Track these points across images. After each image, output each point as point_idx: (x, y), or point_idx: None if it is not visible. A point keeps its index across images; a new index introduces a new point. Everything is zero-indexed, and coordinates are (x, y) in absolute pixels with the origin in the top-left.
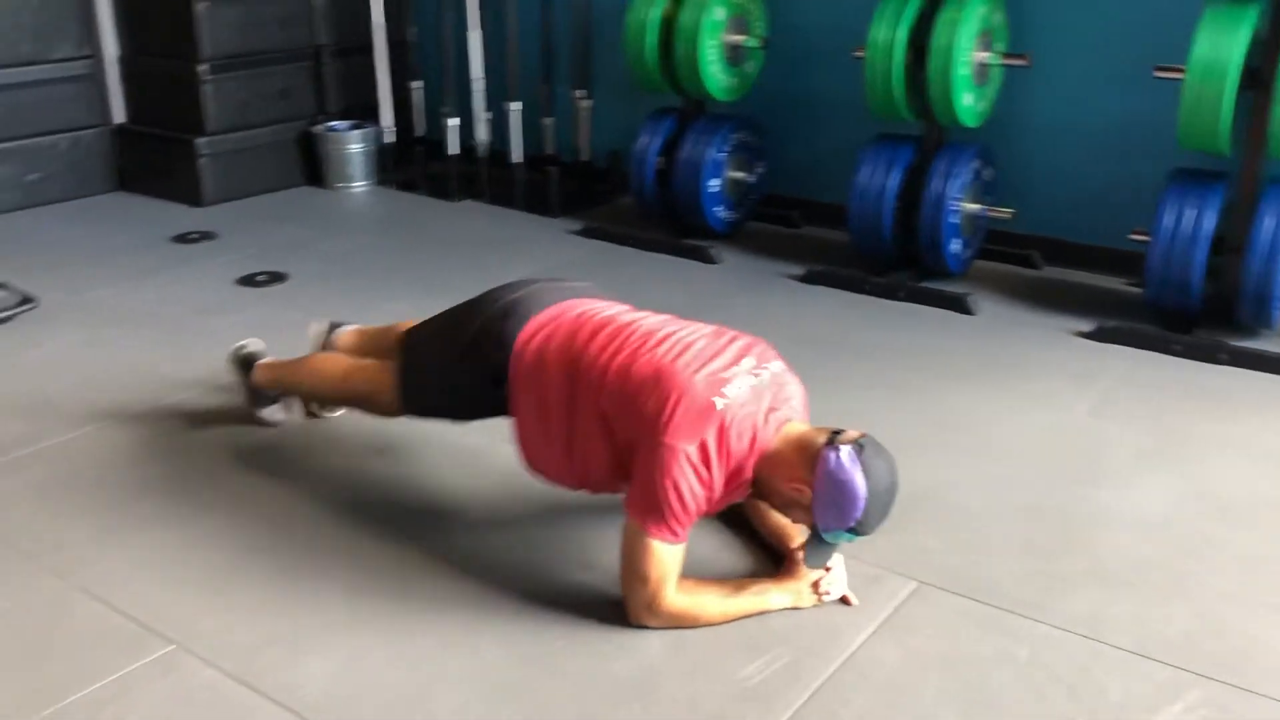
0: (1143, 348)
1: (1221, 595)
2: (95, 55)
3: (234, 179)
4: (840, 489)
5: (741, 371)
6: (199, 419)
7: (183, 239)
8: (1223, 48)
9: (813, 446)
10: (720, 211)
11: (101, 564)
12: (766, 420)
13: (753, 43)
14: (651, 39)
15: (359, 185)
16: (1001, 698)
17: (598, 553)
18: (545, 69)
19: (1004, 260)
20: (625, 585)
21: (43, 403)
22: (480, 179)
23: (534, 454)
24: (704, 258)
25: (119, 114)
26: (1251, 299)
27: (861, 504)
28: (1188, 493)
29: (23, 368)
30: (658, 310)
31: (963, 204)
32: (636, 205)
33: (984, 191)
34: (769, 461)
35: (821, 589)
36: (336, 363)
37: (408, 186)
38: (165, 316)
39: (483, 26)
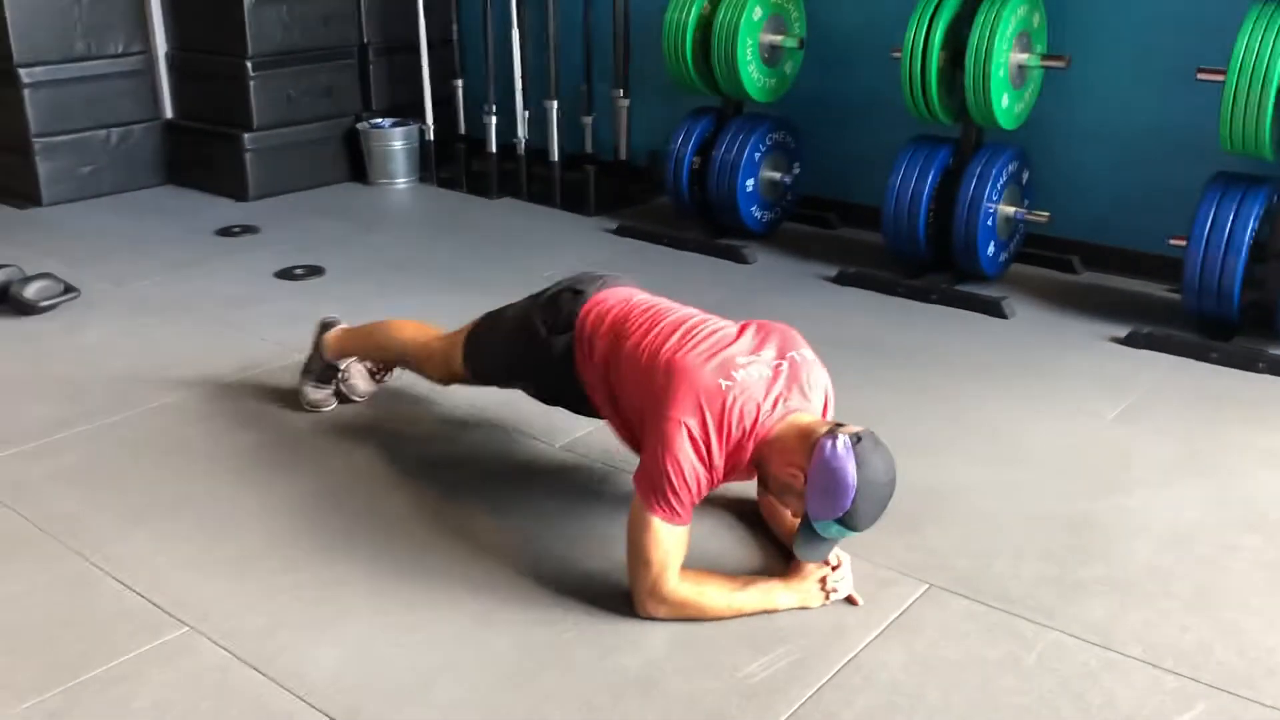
0: (1179, 355)
1: (1242, 606)
2: (147, 51)
3: (279, 174)
4: (832, 477)
5: (756, 360)
6: (228, 407)
7: (226, 232)
8: (1265, 49)
9: (813, 434)
10: (756, 212)
11: (125, 546)
12: (774, 406)
13: (790, 43)
14: (689, 39)
15: (401, 182)
16: (1006, 702)
17: (617, 545)
18: (585, 68)
19: (1043, 264)
20: (630, 570)
21: (78, 389)
22: (519, 177)
23: (595, 396)
24: (738, 257)
25: (169, 109)
26: None
27: (851, 494)
28: (1215, 502)
29: (62, 355)
30: (689, 303)
31: (999, 207)
32: (672, 204)
33: (1022, 194)
34: (770, 446)
35: (829, 587)
36: (409, 323)
37: (449, 183)
38: (202, 307)
39: (524, 26)
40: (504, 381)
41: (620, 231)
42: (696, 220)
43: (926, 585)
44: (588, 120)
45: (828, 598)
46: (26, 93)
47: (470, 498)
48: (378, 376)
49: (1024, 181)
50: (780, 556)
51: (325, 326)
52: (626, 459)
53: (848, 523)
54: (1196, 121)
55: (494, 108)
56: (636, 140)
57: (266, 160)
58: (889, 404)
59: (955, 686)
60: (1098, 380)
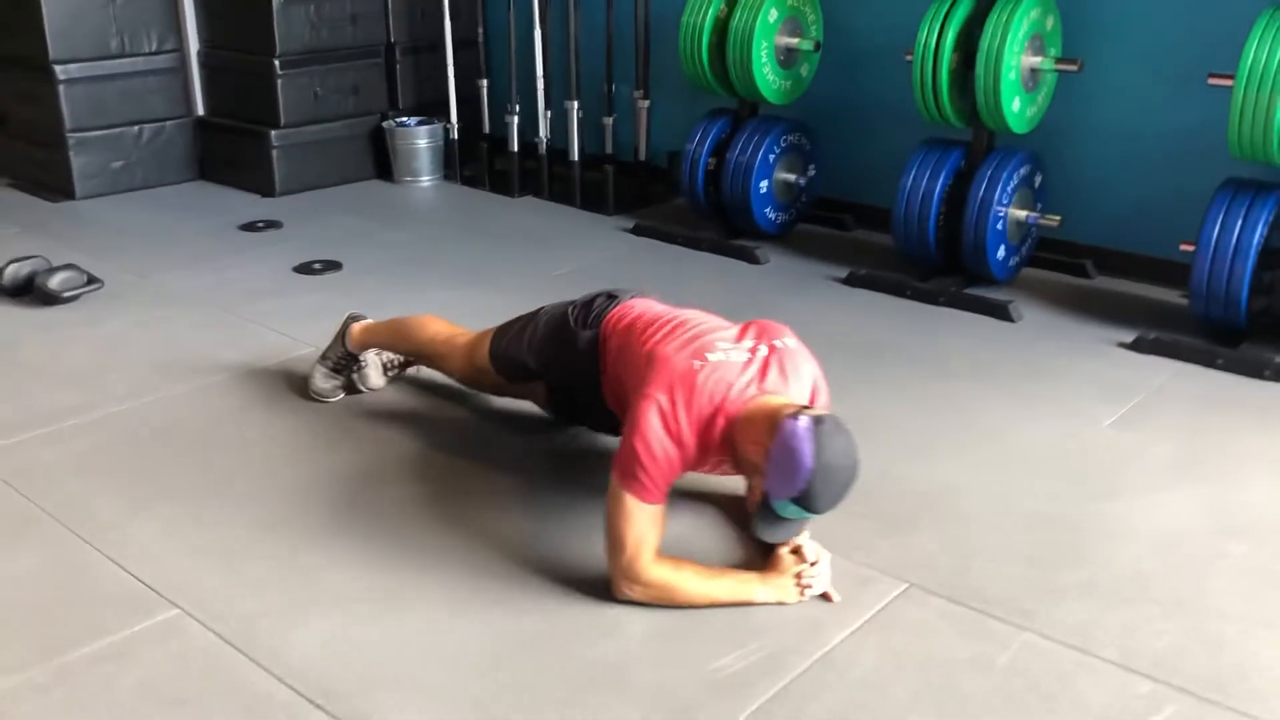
0: (1185, 360)
1: (1222, 613)
2: (180, 50)
3: (305, 171)
4: (789, 456)
5: (735, 347)
6: (238, 397)
7: (250, 227)
8: (1275, 54)
9: (778, 415)
10: (770, 213)
11: (127, 531)
12: (747, 386)
13: (806, 45)
14: (704, 41)
15: (426, 180)
16: (974, 702)
17: (603, 537)
18: (606, 69)
19: (1055, 268)
20: (607, 551)
21: (94, 377)
22: (541, 176)
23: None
24: (750, 258)
25: (200, 106)
26: None
27: (806, 474)
28: (1207, 508)
29: (81, 343)
30: (699, 306)
31: (1009, 210)
32: (688, 205)
33: (1034, 198)
34: (740, 424)
35: (804, 582)
36: (436, 319)
37: (472, 182)
38: (221, 300)
39: (547, 27)
40: (526, 373)
41: (636, 231)
42: (712, 221)
43: (906, 584)
44: (608, 121)
45: (803, 593)
46: (62, 88)
47: (467, 489)
48: (391, 373)
49: (1037, 185)
50: (763, 556)
51: (352, 319)
52: None
53: (804, 503)
54: (1211, 126)
55: (516, 107)
56: (656, 141)
57: (293, 157)
58: (889, 405)
59: (924, 685)
60: (1100, 384)
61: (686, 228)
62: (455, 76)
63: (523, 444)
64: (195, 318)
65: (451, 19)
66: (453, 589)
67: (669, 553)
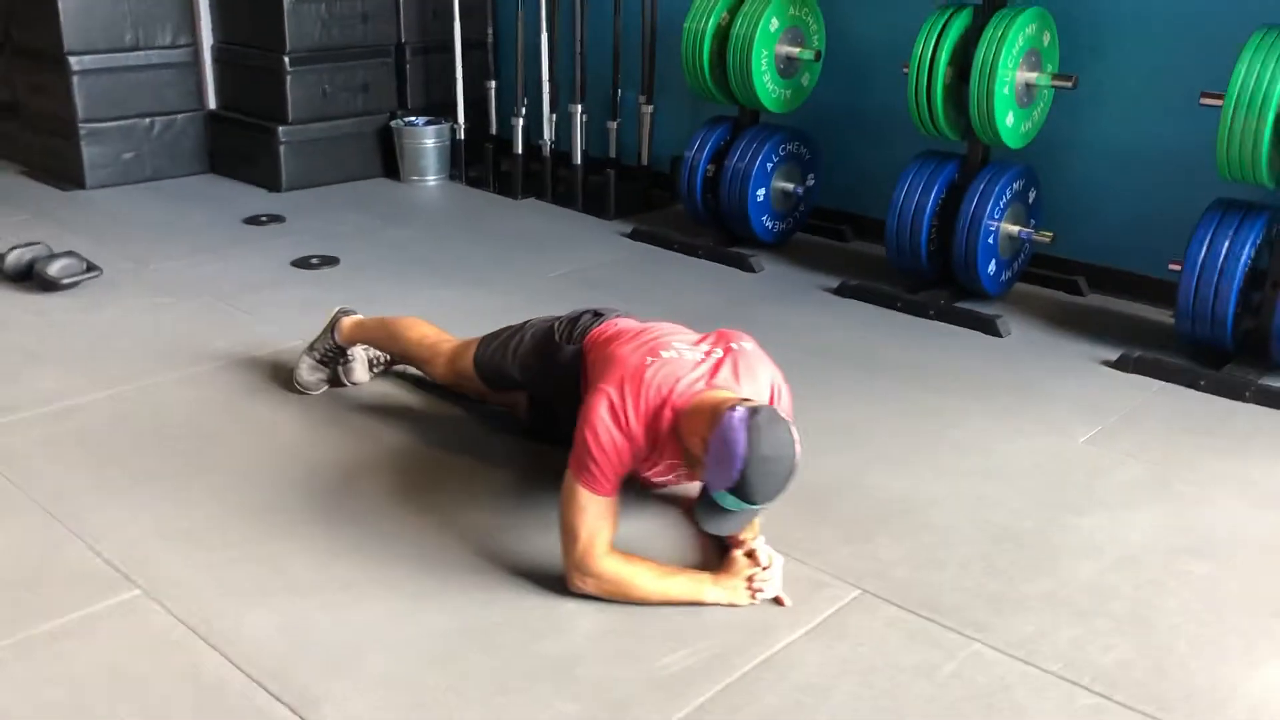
0: (1167, 380)
1: (1174, 630)
2: (193, 44)
3: (312, 167)
4: (723, 446)
5: (690, 348)
6: (223, 386)
7: (253, 221)
8: (1265, 75)
9: (720, 408)
10: (767, 221)
11: (98, 513)
12: (695, 382)
13: (807, 55)
14: (705, 48)
15: (432, 179)
16: (911, 708)
17: None
18: (612, 74)
19: (1048, 285)
20: (561, 545)
21: (86, 363)
22: (544, 178)
23: None
24: (744, 265)
25: (212, 100)
26: None
27: (739, 464)
28: (1171, 527)
29: (75, 330)
30: (687, 312)
31: (1001, 225)
32: (687, 211)
33: (1028, 214)
34: (683, 417)
35: (755, 586)
36: (423, 323)
37: (477, 183)
38: (216, 291)
39: (554, 31)
40: (509, 383)
41: (634, 235)
42: (710, 228)
43: (860, 591)
44: (612, 125)
45: (754, 596)
46: (75, 79)
47: (441, 484)
48: (376, 369)
49: (1031, 201)
50: (721, 559)
51: (343, 313)
52: None
53: (740, 493)
54: (1205, 145)
55: (523, 110)
56: (661, 146)
57: (300, 153)
58: (869, 416)
59: (864, 689)
60: (1079, 402)
61: (684, 233)
62: (464, 77)
63: (500, 441)
64: (189, 307)
65: (462, 20)
66: (415, 580)
67: (630, 549)
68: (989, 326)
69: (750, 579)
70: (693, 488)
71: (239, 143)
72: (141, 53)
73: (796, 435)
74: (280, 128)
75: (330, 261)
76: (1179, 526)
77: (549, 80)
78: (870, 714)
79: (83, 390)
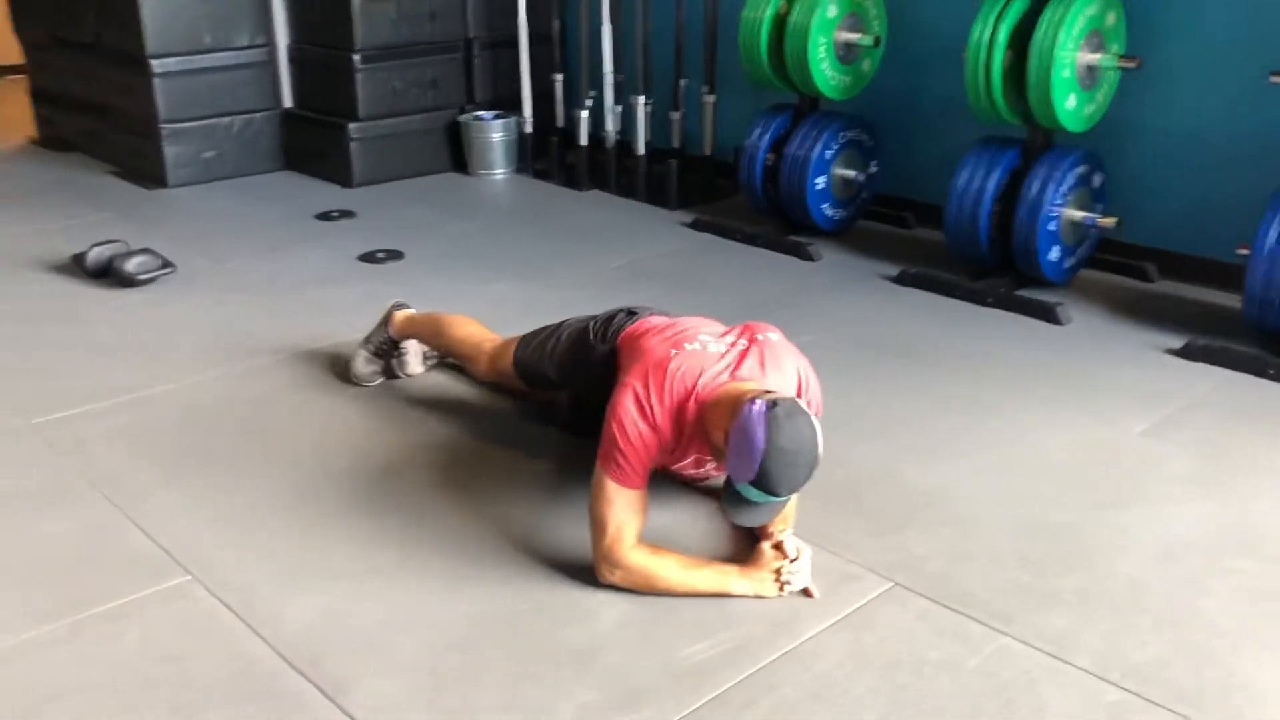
0: (1235, 369)
1: (1212, 629)
2: (269, 44)
3: (382, 163)
4: (743, 439)
5: (715, 340)
6: (282, 379)
7: (325, 216)
8: None
9: (741, 399)
10: (827, 209)
11: (155, 500)
12: (719, 373)
13: (866, 40)
14: (764, 36)
15: (499, 173)
16: (931, 703)
17: None
18: (676, 64)
19: (1115, 271)
20: (591, 536)
21: (154, 356)
22: (608, 170)
23: None
24: (803, 254)
25: (288, 99)
26: None
27: (758, 457)
28: (1220, 523)
29: (146, 324)
30: (741, 301)
31: (1063, 210)
32: (747, 200)
33: (1093, 199)
34: (707, 409)
35: (782, 578)
36: (469, 321)
37: (543, 175)
38: (284, 286)
39: (618, 23)
40: (546, 381)
41: (695, 225)
42: (770, 217)
43: (891, 584)
44: (675, 116)
45: (782, 589)
46: (157, 81)
47: (483, 475)
48: (430, 361)
49: (1096, 185)
50: (749, 551)
51: (397, 306)
52: None
53: (761, 485)
54: (1277, 125)
55: (588, 102)
56: (726, 136)
57: (371, 149)
58: (913, 406)
59: (885, 683)
60: (1137, 392)
61: (745, 223)
62: (530, 71)
63: (543, 435)
64: (256, 302)
65: (528, 14)
66: (450, 568)
67: (661, 541)
68: (1049, 314)
69: (778, 571)
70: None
71: (312, 140)
72: (219, 54)
73: (818, 427)
74: (351, 124)
75: (395, 256)
76: (1227, 522)
77: (612, 72)
78: (888, 708)
79: (148, 384)
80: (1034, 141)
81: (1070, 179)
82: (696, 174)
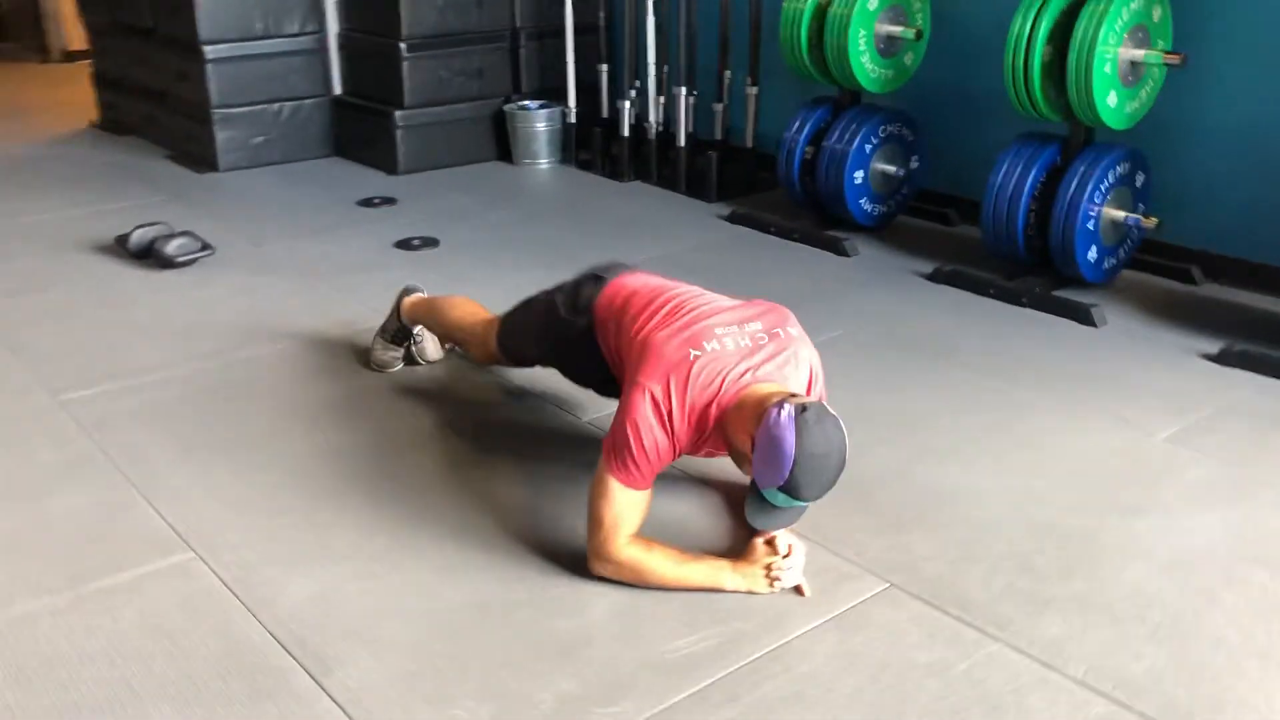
0: (1272, 376)
1: (1216, 641)
2: (320, 31)
3: (427, 151)
4: (772, 444)
5: (735, 332)
6: (305, 362)
7: (367, 203)
8: None
9: (765, 403)
10: (865, 204)
11: (169, 478)
12: (741, 375)
13: (909, 34)
14: (804, 28)
15: (543, 162)
16: (914, 705)
17: None
18: (720, 56)
19: (1159, 273)
20: (587, 529)
21: (184, 336)
22: (650, 161)
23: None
24: (838, 249)
25: (337, 86)
26: None
27: (788, 463)
28: (1236, 532)
29: (182, 305)
30: (771, 296)
31: (1103, 209)
32: (786, 194)
33: (1134, 198)
34: (730, 414)
35: (774, 573)
36: (467, 303)
37: (586, 165)
38: (319, 270)
39: (662, 14)
40: (533, 360)
41: (732, 218)
42: (808, 211)
43: (887, 585)
44: (718, 107)
45: (773, 585)
46: (209, 67)
47: (487, 462)
48: (448, 345)
49: (1138, 184)
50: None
51: (407, 292)
52: None
53: (790, 491)
54: None
55: (633, 93)
56: (769, 129)
57: (416, 137)
58: (934, 406)
59: (870, 684)
60: (1167, 397)
61: (783, 216)
62: (575, 62)
63: (556, 422)
64: (290, 286)
65: (574, 4)
66: (447, 554)
67: (656, 531)
68: (1084, 316)
69: (769, 567)
70: (731, 469)
71: (360, 127)
72: (271, 41)
73: (845, 429)
74: (397, 112)
75: (431, 243)
76: (1245, 532)
77: (655, 63)
78: (869, 711)
79: (175, 363)
80: (1074, 138)
81: (1111, 177)
82: (738, 166)
